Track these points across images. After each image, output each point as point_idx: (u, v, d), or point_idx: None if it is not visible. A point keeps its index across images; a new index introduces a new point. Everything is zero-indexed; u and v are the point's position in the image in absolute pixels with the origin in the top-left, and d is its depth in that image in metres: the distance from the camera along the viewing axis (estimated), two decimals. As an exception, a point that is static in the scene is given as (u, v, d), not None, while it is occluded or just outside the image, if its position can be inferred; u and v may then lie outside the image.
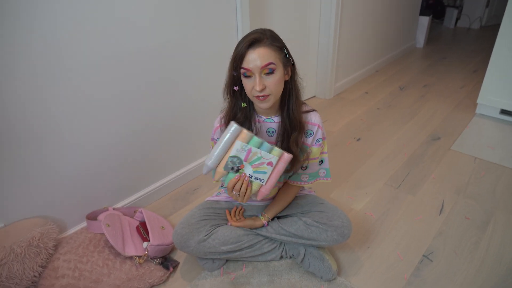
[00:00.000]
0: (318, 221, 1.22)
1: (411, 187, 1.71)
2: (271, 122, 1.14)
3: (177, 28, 1.46)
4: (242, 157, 0.99)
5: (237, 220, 1.29)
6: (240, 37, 1.71)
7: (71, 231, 1.41)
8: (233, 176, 1.02)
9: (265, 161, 1.00)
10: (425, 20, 3.98)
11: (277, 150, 1.01)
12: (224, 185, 1.04)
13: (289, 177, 1.26)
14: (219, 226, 1.25)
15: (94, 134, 1.35)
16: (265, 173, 1.01)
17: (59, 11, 1.12)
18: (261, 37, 0.99)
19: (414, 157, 1.96)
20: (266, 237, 1.28)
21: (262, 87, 0.98)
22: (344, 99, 2.74)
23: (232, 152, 0.99)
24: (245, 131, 0.98)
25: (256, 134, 1.13)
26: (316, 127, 1.16)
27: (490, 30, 4.83)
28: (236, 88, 1.06)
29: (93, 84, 1.28)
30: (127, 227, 1.38)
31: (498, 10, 5.00)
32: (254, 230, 1.28)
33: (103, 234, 1.38)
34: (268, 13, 2.09)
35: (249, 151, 0.99)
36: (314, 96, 2.79)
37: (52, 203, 1.33)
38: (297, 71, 1.08)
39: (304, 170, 1.24)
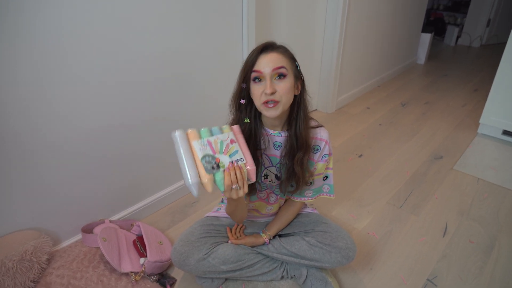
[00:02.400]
0: (321, 241, 1.20)
1: (414, 207, 1.70)
2: (278, 136, 1.12)
3: (181, 36, 1.45)
4: (210, 152, 0.91)
5: (238, 237, 1.26)
6: (245, 51, 1.71)
7: (65, 243, 1.38)
8: (221, 176, 0.92)
9: (228, 142, 0.94)
10: (426, 37, 4.02)
11: (226, 126, 0.98)
12: (221, 189, 0.93)
13: (292, 193, 1.23)
14: (220, 244, 1.22)
15: (89, 144, 1.33)
16: (237, 151, 0.95)
17: (60, 19, 1.10)
18: (274, 44, 1.02)
19: (416, 176, 1.94)
20: (267, 256, 1.26)
21: (273, 90, 0.96)
22: (346, 114, 2.74)
23: (199, 154, 0.90)
24: (189, 130, 0.92)
25: (265, 149, 1.11)
26: (324, 142, 1.15)
27: (490, 49, 4.89)
28: (242, 101, 1.05)
29: (90, 93, 1.26)
30: (123, 241, 1.35)
31: (498, 30, 5.06)
32: (255, 249, 1.25)
33: (98, 248, 1.35)
34: (273, 26, 2.09)
35: (209, 143, 0.92)
36: (316, 110, 2.78)
37: (46, 215, 1.29)
38: (306, 88, 1.07)
39: (308, 185, 1.22)
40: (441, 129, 2.50)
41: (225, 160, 0.92)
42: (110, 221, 1.45)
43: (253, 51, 1.01)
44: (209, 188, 0.90)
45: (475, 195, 1.78)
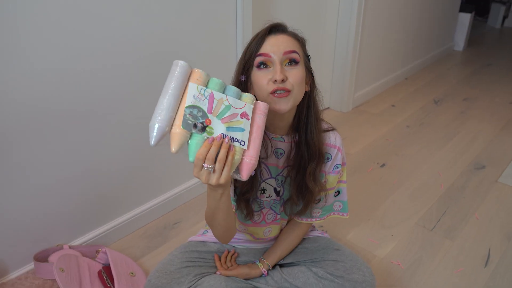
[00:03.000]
0: (332, 273, 1.19)
1: (449, 230, 1.69)
2: (281, 142, 1.12)
3: (163, 12, 1.46)
4: (205, 107, 0.80)
5: (228, 267, 1.26)
6: (239, 35, 1.72)
7: (13, 275, 1.37)
8: (198, 141, 0.80)
9: (238, 112, 0.83)
10: (466, 18, 4.04)
11: (248, 96, 0.86)
12: (190, 159, 0.80)
13: (297, 214, 1.23)
14: (205, 275, 1.21)
15: (45, 151, 1.33)
16: (242, 130, 0.83)
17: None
18: (284, 26, 1.02)
19: (452, 191, 1.94)
20: (264, 291, 1.25)
21: (283, 76, 0.95)
22: (365, 113, 2.74)
23: (188, 100, 0.79)
24: (197, 69, 0.82)
25: (266, 158, 1.11)
26: (336, 150, 1.15)
27: (545, 33, 4.91)
28: None
29: (47, 98, 1.26)
30: (86, 272, 1.35)
31: (554, 9, 5.08)
32: (249, 282, 1.25)
33: (54, 280, 1.34)
34: (273, 6, 2.10)
35: (211, 97, 0.81)
36: (328, 108, 2.79)
37: (-11, 239, 1.29)
38: (317, 87, 1.08)
39: (316, 203, 1.22)
40: (484, 131, 2.50)
41: (217, 127, 0.81)
42: (70, 247, 1.45)
43: (257, 34, 1.00)
44: (174, 145, 0.77)
45: (526, 215, 1.78)
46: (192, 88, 0.79)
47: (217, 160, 0.80)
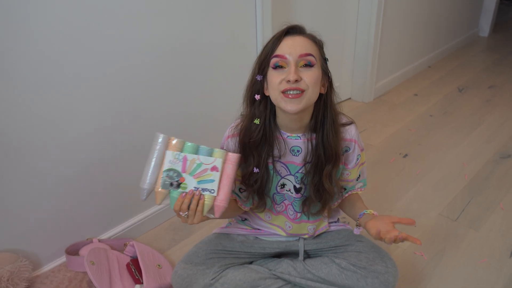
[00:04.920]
0: (355, 264, 1.21)
1: (473, 220, 1.69)
2: (297, 140, 1.13)
3: (185, 21, 1.49)
4: (179, 169, 1.00)
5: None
6: (259, 30, 1.73)
7: (47, 268, 1.43)
8: (176, 195, 1.00)
9: (208, 167, 1.01)
10: (491, 2, 3.94)
11: (218, 151, 1.02)
12: (171, 208, 1.03)
13: (316, 214, 1.24)
14: (230, 266, 1.25)
15: (75, 149, 1.38)
16: (212, 181, 1.02)
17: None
18: (302, 28, 1.04)
19: (477, 181, 1.93)
20: (288, 282, 1.27)
21: (297, 77, 0.97)
22: (387, 103, 2.72)
23: (165, 165, 1.00)
24: (174, 138, 1.01)
25: (280, 157, 1.13)
26: (353, 143, 1.17)
27: None
28: (257, 97, 1.06)
29: (78, 94, 1.31)
30: (115, 265, 1.39)
31: None
32: (273, 273, 1.27)
33: (85, 272, 1.39)
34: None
35: (185, 159, 1.00)
36: (350, 99, 2.78)
37: (24, 234, 1.35)
38: (334, 89, 1.09)
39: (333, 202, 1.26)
40: (510, 120, 2.46)
41: (190, 182, 1.02)
42: (100, 241, 1.50)
43: (275, 34, 1.02)
44: (157, 200, 1.02)
45: (553, 204, 1.76)
46: (169, 155, 1.00)
47: (190, 209, 1.00)
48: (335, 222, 1.39)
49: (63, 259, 1.46)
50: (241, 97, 1.12)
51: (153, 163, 1.00)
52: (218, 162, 1.02)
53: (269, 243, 1.34)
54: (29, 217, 1.34)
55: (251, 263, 1.32)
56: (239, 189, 1.20)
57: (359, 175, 1.26)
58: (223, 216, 1.17)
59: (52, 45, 1.21)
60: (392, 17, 2.65)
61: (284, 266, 1.29)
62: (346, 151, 1.17)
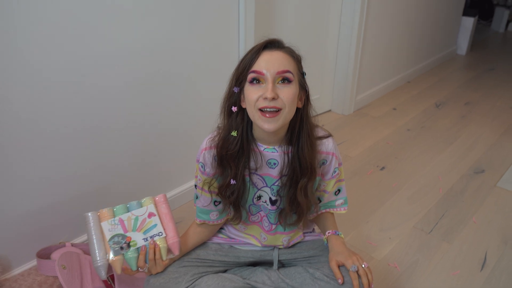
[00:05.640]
0: (328, 275, 1.20)
1: (447, 233, 1.70)
2: (273, 152, 1.12)
3: (168, 27, 1.48)
4: (121, 231, 1.05)
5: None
6: (241, 37, 1.73)
7: (16, 271, 1.39)
8: (133, 255, 1.05)
9: (145, 216, 1.08)
10: (469, 22, 4.03)
11: (146, 199, 1.11)
12: (133, 268, 1.07)
13: (293, 225, 1.24)
14: (204, 275, 1.22)
15: (49, 150, 1.35)
16: (155, 225, 1.08)
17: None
18: (280, 42, 1.03)
19: (451, 194, 1.95)
20: (262, 291, 1.26)
21: (274, 95, 0.96)
22: (367, 116, 2.75)
23: (107, 235, 1.04)
24: (102, 210, 1.07)
25: (256, 169, 1.13)
26: (331, 156, 1.17)
27: (549, 37, 4.89)
28: (234, 109, 1.05)
29: (53, 100, 1.28)
30: (87, 269, 1.36)
31: (559, 13, 5.06)
32: (247, 282, 1.25)
33: (56, 277, 1.36)
34: (277, 11, 2.11)
35: (121, 221, 1.06)
36: (330, 111, 2.80)
37: (-6, 236, 1.31)
38: (311, 102, 1.09)
39: (312, 214, 1.27)
40: (484, 136, 2.50)
41: (137, 237, 1.06)
42: (73, 245, 1.47)
43: (253, 48, 1.01)
44: (117, 269, 1.04)
45: (523, 219, 1.78)
46: (105, 226, 1.05)
47: (149, 261, 1.07)
48: (310, 232, 1.38)
49: (34, 262, 1.42)
50: (217, 105, 1.11)
51: (94, 240, 1.03)
52: (151, 208, 1.10)
53: (243, 252, 1.33)
54: (0, 218, 1.30)
55: (225, 271, 1.30)
56: (214, 202, 1.18)
57: (338, 191, 1.26)
58: (201, 242, 1.27)
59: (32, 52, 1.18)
60: (373, 32, 2.68)
61: (259, 275, 1.27)
62: (323, 163, 1.17)
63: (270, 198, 1.18)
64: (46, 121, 1.30)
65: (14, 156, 1.27)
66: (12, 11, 1.13)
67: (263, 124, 0.99)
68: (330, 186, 1.21)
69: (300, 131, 1.08)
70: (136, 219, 1.08)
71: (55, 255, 1.40)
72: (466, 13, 4.05)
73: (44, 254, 1.41)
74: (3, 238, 1.33)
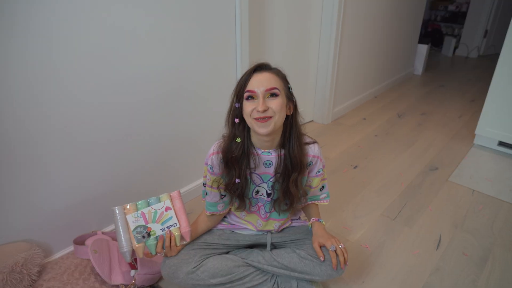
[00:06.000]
0: (312, 254, 1.19)
1: (408, 219, 1.69)
2: (268, 155, 1.13)
3: (180, 54, 1.47)
4: (143, 223, 1.07)
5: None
6: (239, 63, 1.73)
7: (57, 255, 1.37)
8: (152, 242, 1.08)
9: (163, 210, 1.09)
10: (423, 48, 4.05)
11: (163, 195, 1.11)
12: (153, 253, 1.09)
13: (285, 211, 1.23)
14: (209, 256, 1.21)
15: (85, 155, 1.33)
16: (171, 218, 1.10)
17: (52, 42, 1.12)
18: (267, 65, 1.05)
19: (411, 188, 1.94)
20: (258, 269, 1.25)
21: (265, 107, 0.98)
22: (342, 125, 2.74)
23: (131, 226, 1.06)
24: (126, 205, 1.07)
25: (254, 168, 1.13)
26: (316, 159, 1.18)
27: (488, 60, 4.92)
28: (236, 120, 1.06)
29: (86, 112, 1.27)
30: (115, 253, 1.34)
31: (495, 40, 5.10)
32: (245, 261, 1.24)
33: (90, 260, 1.34)
34: (267, 36, 2.11)
35: (143, 214, 1.07)
36: (312, 121, 2.79)
37: (38, 226, 1.29)
38: (299, 111, 1.10)
39: (302, 202, 1.27)
40: (437, 140, 2.50)
41: (156, 228, 1.08)
42: (103, 233, 1.45)
43: (246, 71, 1.04)
44: (140, 254, 1.07)
45: (470, 207, 1.77)
46: (130, 218, 1.06)
47: (165, 247, 1.10)
48: (297, 219, 1.37)
49: (71, 248, 1.40)
50: (221, 117, 1.12)
51: (121, 230, 1.05)
52: (167, 203, 1.10)
53: (242, 236, 1.32)
54: (43, 211, 1.29)
55: (227, 253, 1.29)
56: (221, 196, 1.18)
57: (323, 187, 1.27)
58: (208, 229, 1.28)
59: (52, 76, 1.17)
60: (346, 56, 2.68)
61: (255, 255, 1.26)
62: (310, 164, 1.18)
63: (266, 191, 1.19)
64: (81, 132, 1.29)
65: (54, 161, 1.25)
66: (50, 46, 1.12)
67: (259, 129, 1.02)
68: (315, 182, 1.22)
69: (291, 135, 1.10)
70: (155, 212, 1.08)
71: (89, 241, 1.38)
72: (421, 41, 4.06)
73: (79, 241, 1.40)
74: (45, 228, 1.32)
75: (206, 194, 1.20)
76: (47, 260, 1.34)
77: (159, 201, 1.10)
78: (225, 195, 1.18)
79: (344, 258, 1.14)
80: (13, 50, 1.05)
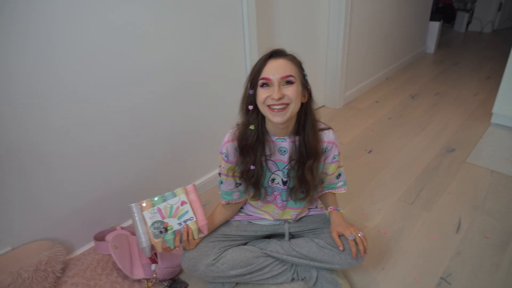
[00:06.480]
0: (330, 243, 1.19)
1: (426, 203, 1.67)
2: (283, 142, 1.12)
3: (187, 45, 1.45)
4: (160, 218, 1.07)
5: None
6: (248, 49, 1.70)
7: (78, 251, 1.40)
8: (170, 237, 1.09)
9: (178, 204, 1.09)
10: (435, 26, 3.93)
11: (178, 189, 1.11)
12: (172, 247, 1.10)
13: (302, 199, 1.22)
14: (228, 248, 1.22)
15: (101, 153, 1.34)
16: (187, 212, 1.10)
17: (58, 38, 1.11)
18: (283, 51, 1.02)
19: (427, 170, 1.91)
20: (277, 259, 1.25)
21: (281, 95, 0.97)
22: (354, 109, 2.70)
23: (149, 222, 1.06)
24: (142, 202, 1.07)
25: (270, 155, 1.12)
26: (331, 144, 1.16)
27: (503, 34, 4.76)
28: (250, 107, 1.05)
29: (97, 106, 1.27)
30: (135, 248, 1.36)
31: (511, 14, 4.92)
32: (264, 251, 1.25)
33: (111, 255, 1.36)
34: (275, 22, 2.07)
35: (159, 210, 1.08)
36: (324, 106, 2.76)
37: (59, 224, 1.31)
38: (313, 98, 1.08)
39: (319, 190, 1.26)
40: (453, 120, 2.45)
41: (173, 222, 1.08)
42: (122, 228, 1.46)
43: (261, 57, 1.01)
44: (159, 249, 1.08)
45: (489, 189, 1.74)
46: (146, 215, 1.07)
47: (183, 242, 1.11)
48: (314, 208, 1.37)
49: (92, 244, 1.42)
50: (233, 106, 1.12)
51: (139, 227, 1.06)
52: (183, 197, 1.10)
53: (260, 226, 1.32)
54: (64, 210, 1.31)
55: (245, 244, 1.30)
56: (236, 185, 1.18)
57: (339, 175, 1.26)
58: (226, 220, 1.28)
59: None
60: (356, 38, 2.62)
61: (273, 246, 1.26)
62: (325, 151, 1.17)
63: (282, 179, 1.18)
64: (95, 131, 1.29)
65: (71, 162, 1.26)
66: (53, 46, 1.11)
67: (273, 118, 1.00)
68: (331, 169, 1.21)
69: (306, 122, 1.08)
70: (171, 207, 1.09)
71: (109, 237, 1.40)
72: (432, 18, 3.95)
73: (99, 237, 1.42)
74: (66, 225, 1.34)
75: (222, 183, 1.20)
76: (70, 256, 1.37)
77: (175, 195, 1.11)
78: (240, 184, 1.18)
79: (364, 246, 1.13)
80: (13, 50, 1.05)
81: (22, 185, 1.17)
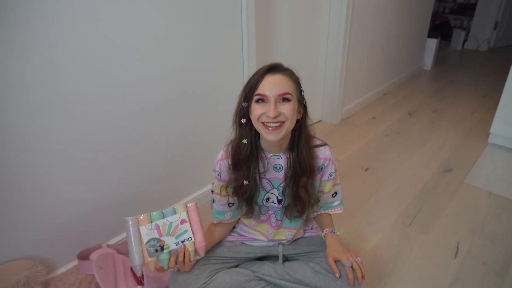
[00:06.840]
0: (326, 268, 1.14)
1: (424, 225, 1.63)
2: (278, 158, 1.08)
3: (186, 55, 1.41)
4: (156, 236, 1.00)
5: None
6: (246, 61, 1.67)
7: (61, 270, 1.33)
8: (165, 257, 1.01)
9: (178, 222, 1.02)
10: (433, 43, 3.95)
11: (179, 207, 1.04)
12: (165, 267, 1.02)
13: (298, 217, 1.18)
14: (219, 271, 1.16)
15: (84, 167, 1.28)
16: (186, 231, 1.03)
17: (59, 42, 1.07)
18: (281, 66, 0.99)
19: (425, 190, 1.87)
20: (270, 283, 1.20)
21: (277, 113, 0.93)
22: (351, 124, 2.67)
23: (144, 239, 0.99)
24: (140, 216, 1.00)
25: (264, 172, 1.08)
26: (328, 161, 1.12)
27: (499, 52, 4.80)
28: (243, 121, 1.01)
29: (86, 118, 1.22)
30: (120, 267, 1.30)
31: (506, 32, 4.98)
32: (256, 275, 1.19)
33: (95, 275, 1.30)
34: (274, 34, 2.05)
35: (157, 226, 1.00)
36: (320, 121, 2.73)
37: (40, 242, 1.25)
38: (309, 114, 1.04)
39: (314, 209, 1.22)
40: (450, 139, 2.42)
41: (170, 241, 1.01)
42: (108, 246, 1.41)
43: (258, 71, 0.97)
44: (151, 268, 1.00)
45: (488, 211, 1.70)
46: (143, 230, 0.99)
47: (178, 263, 1.02)
48: (309, 229, 1.32)
49: (75, 262, 1.36)
50: (228, 116, 1.07)
51: (133, 243, 0.98)
52: (183, 215, 1.03)
53: (253, 247, 1.27)
54: (46, 226, 1.25)
55: (237, 266, 1.24)
56: (228, 204, 1.13)
57: (335, 193, 1.21)
58: (218, 240, 1.21)
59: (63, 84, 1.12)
60: (354, 53, 2.61)
61: (266, 268, 1.21)
62: (322, 168, 1.13)
63: (277, 198, 1.14)
64: (85, 141, 1.24)
65: (56, 172, 1.21)
66: (52, 55, 1.07)
67: (267, 136, 0.97)
68: (327, 187, 1.17)
69: (300, 138, 1.04)
70: (170, 225, 1.02)
71: (93, 256, 1.34)
72: (430, 35, 3.97)
73: (83, 255, 1.36)
74: (48, 242, 1.27)
75: (214, 201, 1.15)
76: (51, 276, 1.30)
77: (175, 212, 1.03)
78: (233, 204, 1.13)
79: (362, 273, 1.08)
80: (13, 56, 1.00)
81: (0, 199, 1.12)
